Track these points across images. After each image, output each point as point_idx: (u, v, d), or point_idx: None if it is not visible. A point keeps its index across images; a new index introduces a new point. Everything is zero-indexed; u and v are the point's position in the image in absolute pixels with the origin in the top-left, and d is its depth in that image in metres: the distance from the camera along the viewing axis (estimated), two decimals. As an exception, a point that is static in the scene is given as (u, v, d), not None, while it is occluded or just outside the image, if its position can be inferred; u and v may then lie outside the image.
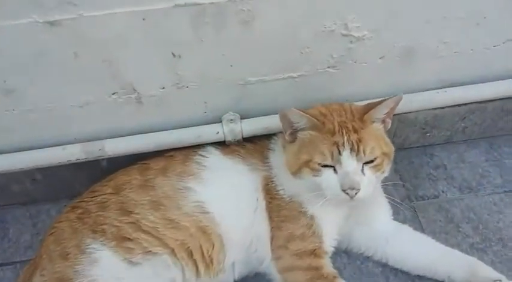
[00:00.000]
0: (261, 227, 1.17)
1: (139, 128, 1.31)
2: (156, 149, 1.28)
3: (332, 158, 1.04)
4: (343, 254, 1.27)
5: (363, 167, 1.05)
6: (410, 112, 1.38)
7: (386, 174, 1.11)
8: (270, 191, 1.19)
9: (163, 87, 1.23)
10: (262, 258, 1.18)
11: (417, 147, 1.49)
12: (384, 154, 1.07)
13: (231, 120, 1.28)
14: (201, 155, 1.23)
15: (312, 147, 1.06)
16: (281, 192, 1.18)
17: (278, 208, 1.17)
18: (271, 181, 1.19)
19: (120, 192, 1.15)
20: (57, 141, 1.29)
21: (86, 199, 1.17)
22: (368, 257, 1.25)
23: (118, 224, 1.09)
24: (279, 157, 1.20)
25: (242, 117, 1.30)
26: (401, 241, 1.22)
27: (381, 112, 1.09)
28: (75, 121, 1.27)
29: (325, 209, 1.12)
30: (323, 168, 1.05)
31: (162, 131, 1.29)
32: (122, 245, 1.07)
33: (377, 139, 1.08)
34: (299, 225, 1.15)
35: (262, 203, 1.18)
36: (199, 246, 1.11)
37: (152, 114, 1.29)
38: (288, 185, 1.17)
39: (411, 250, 1.21)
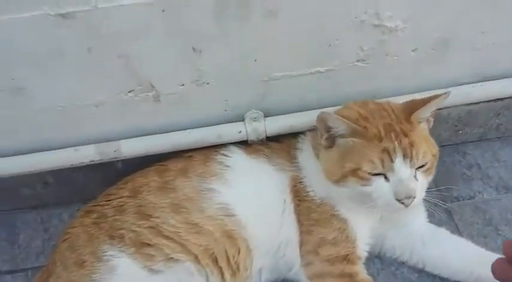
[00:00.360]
0: (290, 230, 1.11)
1: (156, 127, 1.24)
2: (174, 150, 1.22)
3: (383, 166, 0.96)
4: (376, 260, 1.20)
5: (415, 172, 0.98)
6: (443, 108, 1.31)
7: (433, 176, 1.04)
8: (298, 193, 1.12)
9: (183, 84, 1.17)
10: (291, 264, 1.12)
11: (449, 145, 1.42)
12: (433, 156, 1.01)
13: (254, 118, 1.21)
14: (223, 155, 1.17)
15: (358, 155, 0.98)
16: (311, 194, 1.11)
17: (308, 211, 1.11)
18: (300, 182, 1.13)
19: (138, 195, 1.10)
20: (69, 142, 1.22)
21: (101, 203, 1.11)
22: (403, 262, 1.18)
23: (137, 229, 1.04)
24: (307, 157, 1.14)
25: (265, 115, 1.24)
26: (438, 244, 1.15)
27: (428, 111, 1.02)
28: (89, 121, 1.21)
29: (358, 212, 1.07)
30: (373, 177, 0.98)
31: (181, 130, 1.23)
32: (142, 251, 1.01)
33: (426, 141, 1.01)
34: (331, 229, 1.08)
35: (290, 206, 1.12)
36: (225, 252, 1.05)
37: (170, 113, 1.22)
38: (319, 187, 1.10)
39: (450, 254, 1.13)
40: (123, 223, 1.05)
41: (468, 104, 1.33)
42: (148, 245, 1.02)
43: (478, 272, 1.09)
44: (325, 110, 1.05)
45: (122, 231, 1.04)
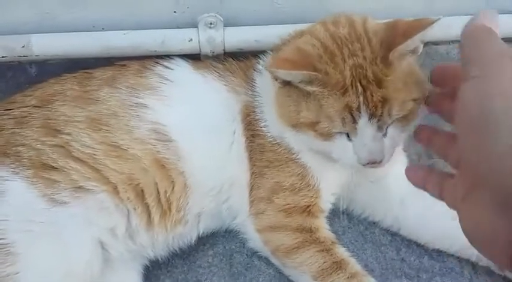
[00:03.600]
0: (237, 169, 0.94)
1: (85, 26, 1.04)
2: (103, 55, 1.03)
3: (344, 126, 0.77)
4: (343, 216, 1.03)
5: (386, 129, 0.78)
6: (442, 43, 1.15)
7: (416, 120, 0.81)
8: (251, 125, 0.94)
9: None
10: (236, 211, 0.96)
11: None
12: (415, 101, 0.78)
13: (211, 24, 1.01)
14: (164, 66, 0.97)
15: (316, 107, 0.78)
16: (264, 129, 0.93)
17: (261, 149, 0.93)
18: (254, 111, 0.94)
19: (48, 106, 0.90)
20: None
21: None
22: (374, 223, 1.03)
23: (39, 147, 0.85)
24: (266, 83, 0.92)
25: (226, 25, 1.04)
26: (419, 205, 0.97)
27: (411, 45, 0.77)
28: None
29: (322, 159, 0.88)
30: (334, 134, 0.79)
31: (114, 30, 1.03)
32: (43, 175, 0.83)
33: (406, 84, 0.77)
34: (288, 174, 0.92)
35: (241, 139, 0.94)
36: (155, 185, 0.88)
37: (104, 8, 1.01)
38: (273, 124, 0.91)
39: (432, 218, 0.97)
40: (23, 138, 0.86)
41: (473, 41, 1.15)
42: (53, 167, 0.84)
43: (462, 241, 0.92)
44: (297, 27, 0.87)
45: (19, 148, 0.85)
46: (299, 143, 0.89)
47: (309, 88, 0.77)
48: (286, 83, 0.80)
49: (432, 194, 0.61)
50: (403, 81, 0.76)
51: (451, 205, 0.56)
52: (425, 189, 0.62)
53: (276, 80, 0.81)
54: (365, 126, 0.75)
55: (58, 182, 0.82)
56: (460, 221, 0.52)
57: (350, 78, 0.75)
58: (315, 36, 0.81)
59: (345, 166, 0.83)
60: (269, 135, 0.92)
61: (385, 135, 0.78)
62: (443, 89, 0.63)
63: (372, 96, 0.74)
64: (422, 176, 0.62)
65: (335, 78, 0.75)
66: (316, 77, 0.75)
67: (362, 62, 0.75)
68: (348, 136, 0.78)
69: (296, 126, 0.82)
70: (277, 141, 0.92)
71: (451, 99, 0.57)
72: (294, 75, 0.76)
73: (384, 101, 0.74)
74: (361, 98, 0.74)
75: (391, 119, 0.76)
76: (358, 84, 0.74)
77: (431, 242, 0.99)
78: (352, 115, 0.75)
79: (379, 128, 0.76)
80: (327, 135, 0.79)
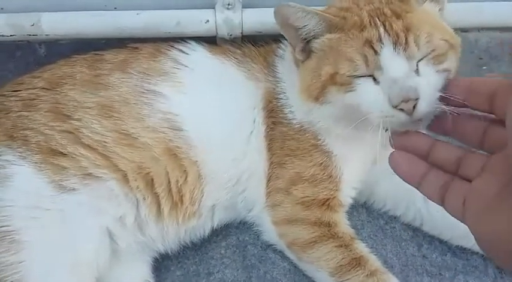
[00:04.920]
0: (256, 159, 0.91)
1: (95, 5, 1.00)
2: (116, 36, 0.99)
3: (367, 64, 0.72)
4: (362, 209, 1.01)
5: (416, 65, 0.71)
6: (471, 29, 1.09)
7: (452, 73, 0.74)
8: (273, 112, 0.91)
9: None
10: (252, 203, 0.94)
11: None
12: (446, 41, 0.73)
13: (229, 5, 0.97)
14: (179, 50, 0.94)
15: (335, 54, 0.75)
16: (289, 115, 0.90)
17: (283, 137, 0.90)
18: (277, 98, 0.91)
19: (57, 89, 0.87)
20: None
21: (6, 93, 0.88)
22: (395, 217, 1.00)
23: (48, 132, 0.83)
24: (289, 67, 0.89)
25: (245, 6, 1.00)
26: (444, 200, 0.95)
27: None
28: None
29: (349, 145, 0.87)
30: (356, 80, 0.73)
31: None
32: (51, 160, 0.81)
33: (432, 23, 0.74)
34: (311, 163, 0.89)
35: (261, 128, 0.91)
36: (166, 175, 0.85)
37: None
38: (300, 107, 0.87)
39: (457, 213, 0.94)
40: (31, 122, 0.84)
41: (503, 30, 1.11)
42: (61, 153, 0.82)
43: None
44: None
45: (27, 132, 0.83)
46: (326, 118, 0.83)
47: (325, 38, 0.77)
48: (306, 55, 0.80)
49: (427, 194, 0.55)
50: (426, 19, 0.74)
51: (455, 211, 0.52)
52: (418, 187, 0.55)
53: (295, 47, 0.80)
54: (390, 56, 0.70)
55: (66, 169, 0.80)
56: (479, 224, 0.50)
57: (368, 18, 0.74)
58: (331, 4, 0.82)
59: (377, 117, 0.72)
60: (294, 121, 0.90)
61: (417, 72, 0.71)
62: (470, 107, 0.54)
63: (392, 26, 0.72)
64: (420, 173, 0.54)
65: (352, 19, 0.75)
66: (332, 21, 0.76)
67: (379, 5, 0.76)
68: (375, 79, 0.73)
69: (320, 94, 0.78)
70: (304, 127, 0.89)
71: (483, 121, 0.53)
72: (309, 15, 0.76)
73: (407, 29, 0.71)
74: (381, 29, 0.72)
75: (421, 52, 0.71)
76: (377, 20, 0.73)
77: (454, 239, 0.96)
78: (373, 48, 0.71)
79: (409, 59, 0.70)
80: (349, 84, 0.74)
